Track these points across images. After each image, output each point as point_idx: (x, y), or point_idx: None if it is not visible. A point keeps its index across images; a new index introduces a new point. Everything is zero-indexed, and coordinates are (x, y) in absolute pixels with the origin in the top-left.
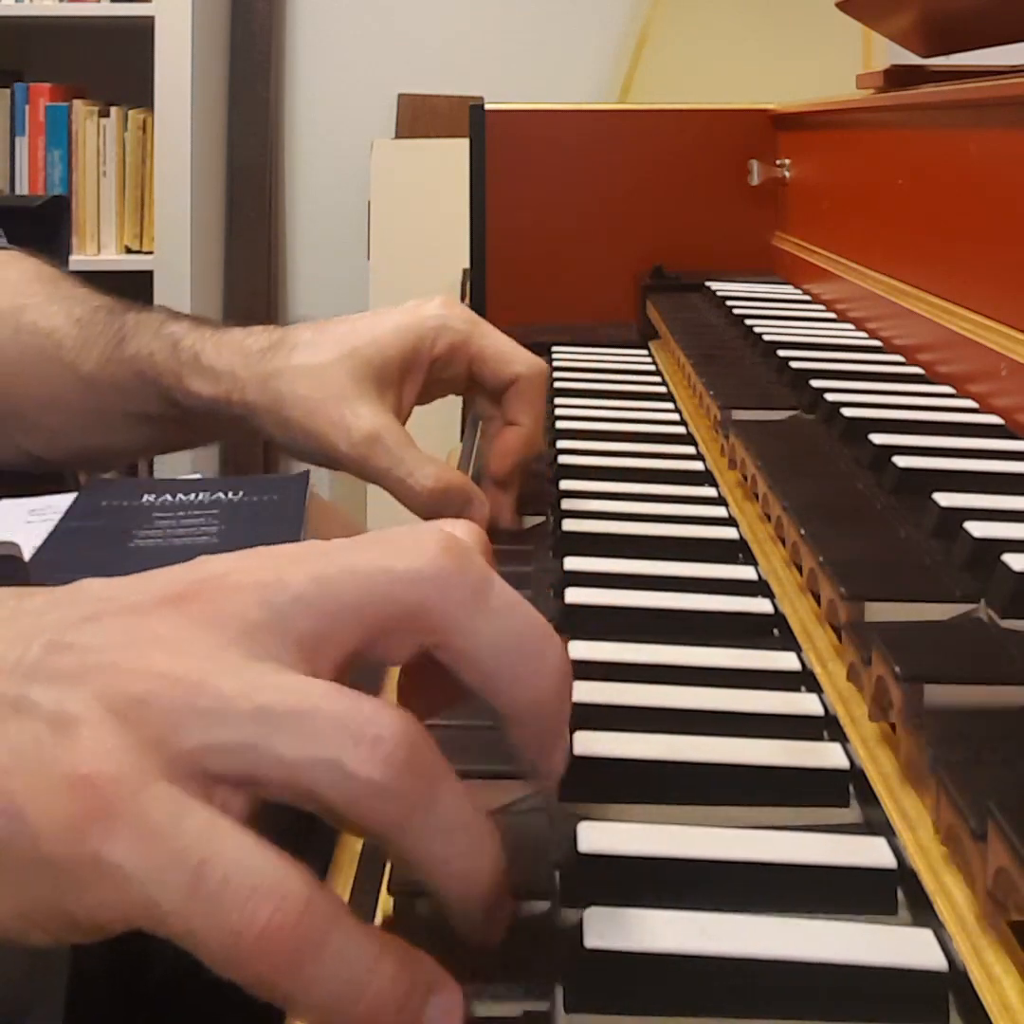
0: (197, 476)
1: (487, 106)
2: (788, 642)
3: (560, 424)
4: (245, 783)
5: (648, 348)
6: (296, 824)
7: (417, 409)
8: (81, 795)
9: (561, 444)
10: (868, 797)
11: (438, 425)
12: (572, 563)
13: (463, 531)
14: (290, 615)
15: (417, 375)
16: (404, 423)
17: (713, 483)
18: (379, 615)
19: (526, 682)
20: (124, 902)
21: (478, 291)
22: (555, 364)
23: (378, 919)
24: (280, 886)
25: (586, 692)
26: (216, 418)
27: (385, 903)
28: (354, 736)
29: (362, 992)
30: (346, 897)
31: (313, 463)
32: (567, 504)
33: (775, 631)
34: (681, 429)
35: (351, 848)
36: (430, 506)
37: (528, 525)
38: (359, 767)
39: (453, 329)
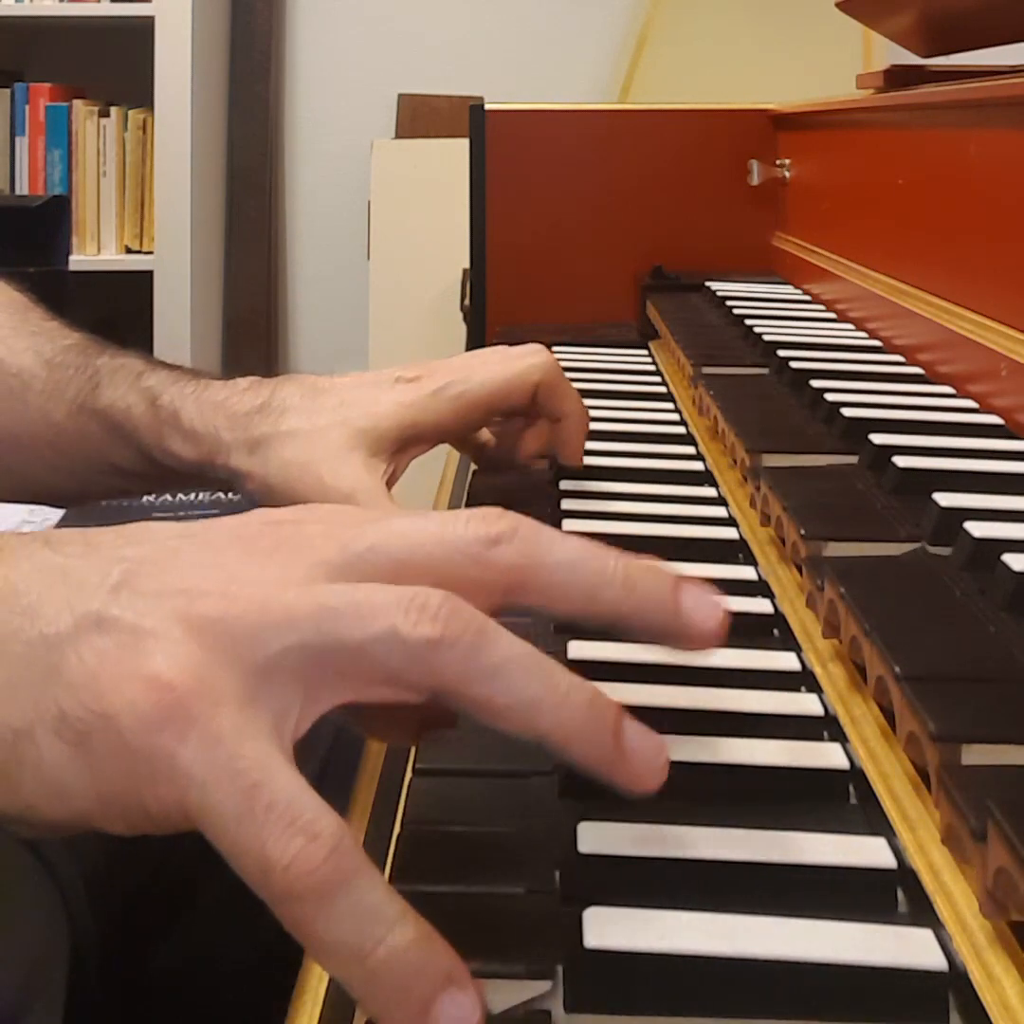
0: None
1: (487, 106)
2: (788, 642)
3: None
4: (319, 680)
5: (648, 348)
6: None
7: None
8: (161, 696)
9: None
10: (868, 797)
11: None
12: None
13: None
14: (354, 563)
15: (413, 450)
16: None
17: (713, 483)
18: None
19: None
20: (185, 801)
21: (478, 291)
22: None
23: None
24: (314, 825)
25: None
26: (197, 478)
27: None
28: (402, 608)
29: (376, 945)
30: None
31: None
32: (567, 504)
33: (775, 631)
34: (681, 429)
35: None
36: None
37: None
38: (412, 630)
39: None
